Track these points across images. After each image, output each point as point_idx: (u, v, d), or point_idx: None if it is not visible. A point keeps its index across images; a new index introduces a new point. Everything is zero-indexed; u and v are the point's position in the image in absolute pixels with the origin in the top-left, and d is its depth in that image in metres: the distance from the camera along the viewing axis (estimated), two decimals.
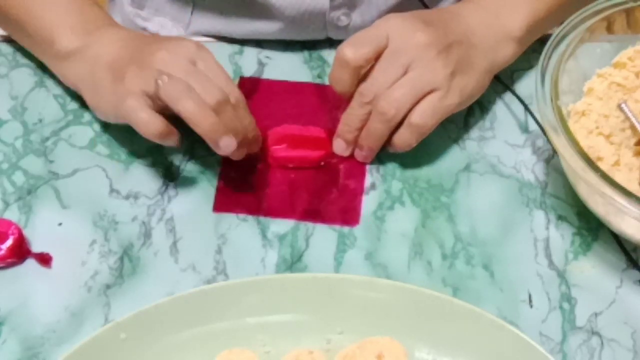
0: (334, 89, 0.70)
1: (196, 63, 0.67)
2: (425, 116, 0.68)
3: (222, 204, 0.70)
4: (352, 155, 0.73)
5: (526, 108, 0.75)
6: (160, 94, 0.63)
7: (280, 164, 0.72)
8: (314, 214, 0.70)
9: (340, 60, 0.68)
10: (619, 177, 0.64)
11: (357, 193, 0.71)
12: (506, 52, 0.73)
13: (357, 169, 0.72)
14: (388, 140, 0.70)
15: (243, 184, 0.71)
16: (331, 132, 0.73)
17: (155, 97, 0.64)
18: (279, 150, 0.72)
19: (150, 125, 0.64)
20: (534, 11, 0.73)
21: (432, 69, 0.68)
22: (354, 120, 0.70)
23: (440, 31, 0.69)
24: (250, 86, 0.77)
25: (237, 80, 0.77)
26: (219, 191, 0.71)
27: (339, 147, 0.72)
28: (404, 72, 0.68)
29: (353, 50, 0.68)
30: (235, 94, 0.67)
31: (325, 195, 0.71)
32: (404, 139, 0.69)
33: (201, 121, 0.63)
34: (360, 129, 0.70)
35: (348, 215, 0.70)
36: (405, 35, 0.68)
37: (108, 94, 0.67)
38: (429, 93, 0.68)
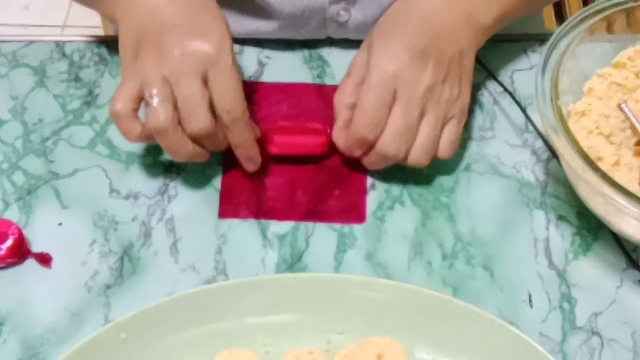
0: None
1: (208, 72, 0.65)
2: (452, 147, 0.70)
3: (227, 210, 0.70)
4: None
5: (524, 112, 0.75)
6: (146, 113, 0.65)
7: (281, 153, 0.71)
8: (319, 214, 0.70)
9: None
10: (619, 177, 0.64)
11: (361, 191, 0.71)
12: (476, 41, 0.71)
13: (358, 167, 0.72)
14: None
15: (247, 189, 0.71)
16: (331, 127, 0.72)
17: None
18: (279, 139, 0.71)
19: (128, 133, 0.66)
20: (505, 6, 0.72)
21: (444, 105, 0.68)
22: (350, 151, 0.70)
23: (437, 60, 0.67)
24: (248, 90, 0.76)
25: None
26: (223, 197, 0.71)
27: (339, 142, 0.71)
28: (419, 117, 0.67)
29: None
30: (236, 113, 0.66)
31: (330, 194, 0.71)
32: (424, 162, 0.69)
33: (175, 154, 0.66)
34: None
35: (354, 213, 0.70)
36: (411, 85, 0.66)
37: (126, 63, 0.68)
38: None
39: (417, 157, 0.68)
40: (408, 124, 0.67)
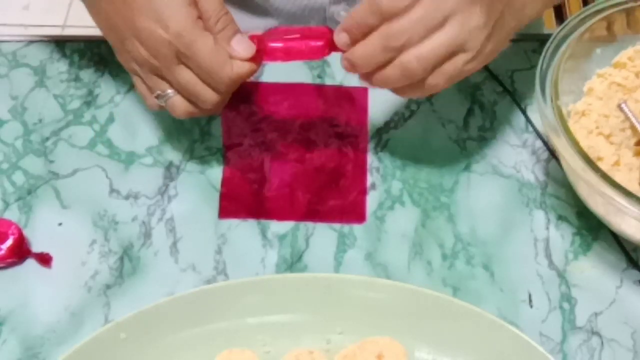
0: (344, 32, 0.62)
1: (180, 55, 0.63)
2: (444, 79, 0.62)
3: (227, 210, 0.70)
4: (351, 155, 0.73)
5: (524, 113, 0.75)
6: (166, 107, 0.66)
7: (277, 58, 0.65)
8: (319, 214, 0.70)
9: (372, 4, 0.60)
10: (619, 177, 0.64)
11: (361, 191, 0.71)
12: (532, 11, 0.66)
13: (358, 167, 0.72)
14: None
15: (247, 189, 0.71)
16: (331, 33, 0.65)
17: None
18: (275, 45, 0.64)
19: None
20: None
21: (470, 29, 0.61)
22: (369, 60, 0.62)
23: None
24: (248, 90, 0.77)
25: None
26: (223, 197, 0.71)
27: (341, 40, 0.63)
28: (441, 24, 0.60)
29: None
30: (225, 74, 0.62)
31: (330, 194, 0.71)
32: (412, 93, 0.64)
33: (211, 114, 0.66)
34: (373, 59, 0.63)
35: (354, 213, 0.70)
36: None
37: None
38: (456, 53, 0.62)
39: (416, 61, 0.60)
40: (426, 16, 0.59)
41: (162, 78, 0.64)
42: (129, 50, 0.64)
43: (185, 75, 0.63)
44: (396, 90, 0.64)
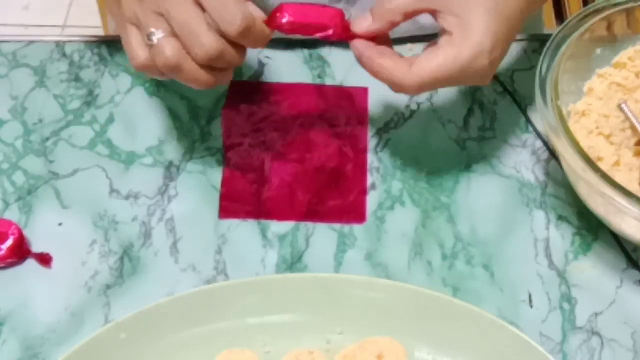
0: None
1: None
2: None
3: (227, 210, 0.70)
4: (351, 155, 0.73)
5: (524, 113, 0.75)
6: (152, 54, 0.60)
7: (286, 30, 0.62)
8: (319, 214, 0.70)
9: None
10: (619, 177, 0.64)
11: (361, 191, 0.71)
12: None
13: (358, 167, 0.72)
14: None
15: (247, 189, 0.71)
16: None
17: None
18: (285, 18, 0.62)
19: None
20: None
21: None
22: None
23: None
24: (248, 90, 0.77)
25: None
26: (223, 197, 0.71)
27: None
28: None
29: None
30: (237, 22, 0.58)
31: (330, 194, 0.71)
32: None
33: (197, 85, 0.61)
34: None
35: (354, 213, 0.70)
36: None
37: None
38: None
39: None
40: None
41: (163, 17, 0.59)
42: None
43: (193, 12, 0.58)
44: None
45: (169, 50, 0.59)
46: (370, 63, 0.63)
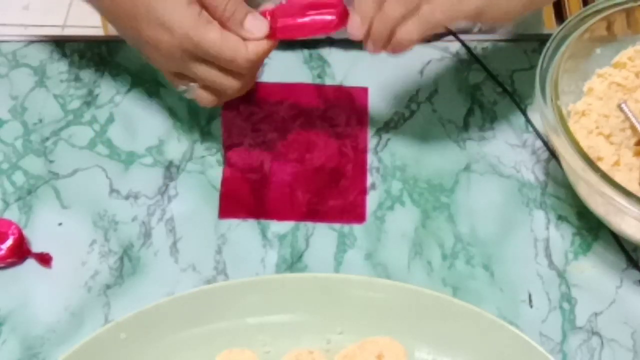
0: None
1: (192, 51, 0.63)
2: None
3: (227, 210, 0.70)
4: (351, 155, 0.73)
5: (524, 113, 0.75)
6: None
7: (290, 34, 0.64)
8: (319, 214, 0.70)
9: None
10: (619, 177, 0.64)
11: (361, 191, 0.71)
12: None
13: (358, 167, 0.72)
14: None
15: (247, 189, 0.71)
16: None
17: None
18: (286, 21, 0.63)
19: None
20: None
21: None
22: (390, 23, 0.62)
23: None
24: (248, 90, 0.76)
25: None
26: (223, 197, 0.71)
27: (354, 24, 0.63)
28: None
29: None
30: (240, 56, 0.62)
31: (330, 194, 0.71)
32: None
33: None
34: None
35: (354, 213, 0.70)
36: None
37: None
38: None
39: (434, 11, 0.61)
40: None
41: (184, 77, 0.65)
42: (147, 55, 0.66)
43: (204, 70, 0.63)
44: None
45: (205, 100, 0.66)
46: None
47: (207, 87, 0.65)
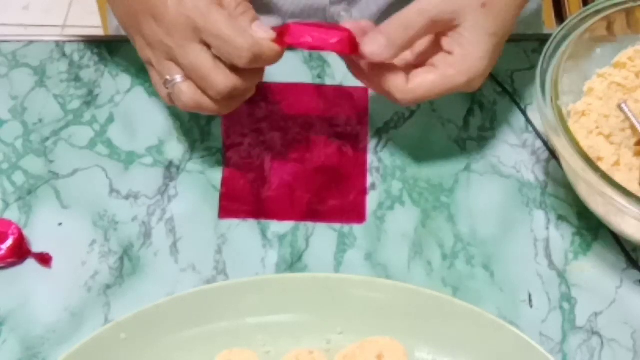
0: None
1: (198, 33, 0.61)
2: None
3: (227, 210, 0.70)
4: (351, 155, 0.73)
5: (524, 113, 0.75)
6: (172, 98, 0.63)
7: (297, 44, 0.62)
8: (319, 214, 0.70)
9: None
10: (619, 177, 0.64)
11: (361, 191, 0.71)
12: None
13: (358, 167, 0.72)
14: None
15: (247, 189, 0.71)
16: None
17: None
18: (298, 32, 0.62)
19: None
20: None
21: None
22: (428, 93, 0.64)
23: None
24: None
25: None
26: (223, 197, 0.71)
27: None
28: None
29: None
30: (245, 51, 0.59)
31: (330, 194, 0.71)
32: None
33: (223, 113, 0.64)
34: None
35: (354, 213, 0.70)
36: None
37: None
38: None
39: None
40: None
41: (175, 63, 0.61)
42: (144, 34, 0.62)
43: (199, 55, 0.60)
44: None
45: (185, 96, 0.62)
46: (371, 77, 0.64)
47: (190, 79, 0.61)
